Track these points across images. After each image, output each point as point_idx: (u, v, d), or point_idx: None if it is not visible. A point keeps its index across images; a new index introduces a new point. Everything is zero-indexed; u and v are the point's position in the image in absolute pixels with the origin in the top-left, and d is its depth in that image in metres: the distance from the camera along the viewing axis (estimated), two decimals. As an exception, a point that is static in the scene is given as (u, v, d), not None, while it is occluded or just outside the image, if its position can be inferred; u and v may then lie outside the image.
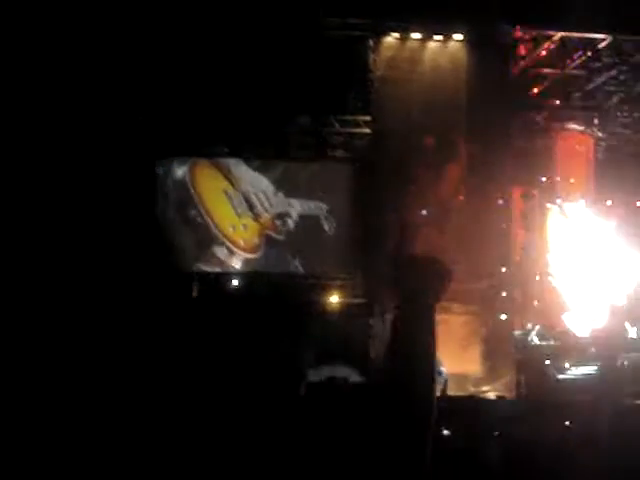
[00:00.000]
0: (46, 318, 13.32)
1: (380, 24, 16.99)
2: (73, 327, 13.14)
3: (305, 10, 16.21)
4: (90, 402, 7.63)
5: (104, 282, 14.69)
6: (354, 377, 14.92)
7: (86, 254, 14.85)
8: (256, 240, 15.82)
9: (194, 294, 16.21)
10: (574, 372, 16.72)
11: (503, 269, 17.01)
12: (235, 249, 16.03)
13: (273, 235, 15.98)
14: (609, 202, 18.64)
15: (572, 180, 18.73)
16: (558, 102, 18.37)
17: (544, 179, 18.45)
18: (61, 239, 14.88)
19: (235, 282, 16.55)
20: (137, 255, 15.26)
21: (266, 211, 15.98)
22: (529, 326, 17.56)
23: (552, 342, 17.48)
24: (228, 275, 16.54)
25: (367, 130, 17.45)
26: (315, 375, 13.95)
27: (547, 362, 16.73)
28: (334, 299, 16.93)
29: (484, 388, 15.87)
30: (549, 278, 18.29)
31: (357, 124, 17.58)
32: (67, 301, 14.06)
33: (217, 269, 16.24)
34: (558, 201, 18.52)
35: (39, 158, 14.93)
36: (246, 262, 16.38)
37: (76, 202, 15.01)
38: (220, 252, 16.02)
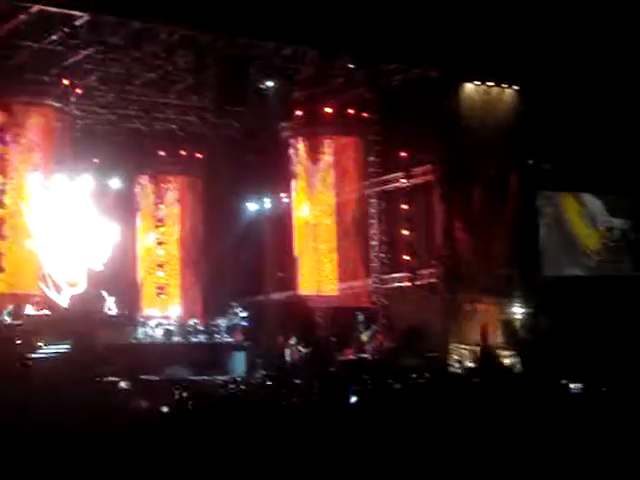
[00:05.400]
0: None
1: None
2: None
3: None
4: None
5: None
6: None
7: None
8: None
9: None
10: (47, 351, 16.51)
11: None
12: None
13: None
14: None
15: (55, 155, 18.62)
16: (34, 76, 17.82)
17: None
18: None
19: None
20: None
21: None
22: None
23: (26, 320, 17.15)
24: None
25: None
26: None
27: (18, 342, 16.35)
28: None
29: None
30: (28, 242, 18.06)
31: None
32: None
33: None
34: (37, 174, 18.29)
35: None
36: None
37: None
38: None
